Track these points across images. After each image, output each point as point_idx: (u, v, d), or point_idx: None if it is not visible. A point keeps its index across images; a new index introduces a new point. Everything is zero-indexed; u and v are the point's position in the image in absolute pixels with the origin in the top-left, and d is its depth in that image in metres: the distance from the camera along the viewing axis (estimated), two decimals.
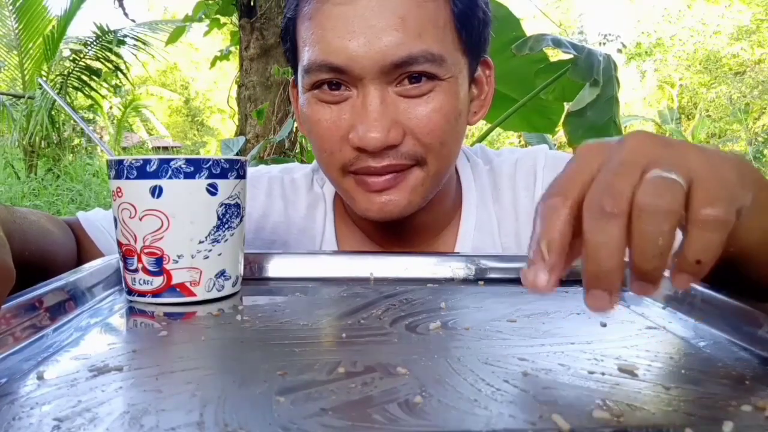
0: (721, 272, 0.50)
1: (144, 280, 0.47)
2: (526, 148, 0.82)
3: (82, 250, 0.68)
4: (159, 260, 0.47)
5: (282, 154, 3.02)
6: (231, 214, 0.49)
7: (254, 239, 0.74)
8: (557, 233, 0.32)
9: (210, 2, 3.40)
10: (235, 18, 3.41)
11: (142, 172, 0.46)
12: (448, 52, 0.60)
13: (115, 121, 8.44)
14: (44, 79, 5.83)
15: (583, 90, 1.61)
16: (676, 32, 16.69)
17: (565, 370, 0.32)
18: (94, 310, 0.46)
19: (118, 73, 6.38)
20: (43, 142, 6.05)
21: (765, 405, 0.27)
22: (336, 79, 0.60)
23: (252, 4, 3.15)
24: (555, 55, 1.83)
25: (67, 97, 6.12)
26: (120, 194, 0.47)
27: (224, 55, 3.78)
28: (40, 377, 0.31)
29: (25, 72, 6.38)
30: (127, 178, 0.46)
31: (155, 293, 0.48)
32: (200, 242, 0.47)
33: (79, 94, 6.51)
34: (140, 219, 0.46)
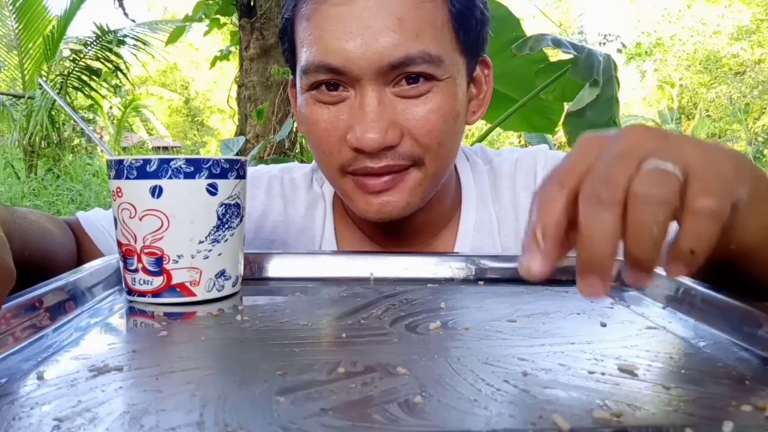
0: (721, 272, 0.51)
1: (144, 280, 0.47)
2: (526, 148, 0.82)
3: (82, 250, 0.68)
4: (159, 260, 0.47)
5: (282, 154, 3.02)
6: (231, 214, 0.49)
7: (254, 239, 0.74)
8: (552, 221, 0.33)
9: (210, 2, 3.40)
10: (235, 18, 3.41)
11: (142, 172, 0.46)
12: (446, 52, 0.60)
13: (115, 121, 8.44)
14: (44, 79, 5.83)
15: (583, 90, 1.61)
16: (676, 32, 16.69)
17: (565, 370, 0.32)
18: (94, 310, 0.46)
19: (118, 73, 6.38)
20: (43, 142, 6.05)
21: (765, 405, 0.27)
22: (334, 79, 0.60)
23: (252, 4, 3.15)
24: (555, 55, 1.83)
25: (67, 97, 6.12)
26: (120, 194, 0.47)
27: (224, 55, 3.78)
28: (40, 377, 0.31)
29: (25, 72, 6.38)
30: (127, 178, 0.46)
31: (155, 293, 0.48)
32: (200, 242, 0.47)
33: (79, 94, 6.51)
34: (140, 219, 0.46)
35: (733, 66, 14.47)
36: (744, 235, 0.44)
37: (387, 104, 0.59)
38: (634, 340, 0.38)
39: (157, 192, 0.46)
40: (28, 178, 5.44)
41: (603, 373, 0.32)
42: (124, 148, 9.32)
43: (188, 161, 0.46)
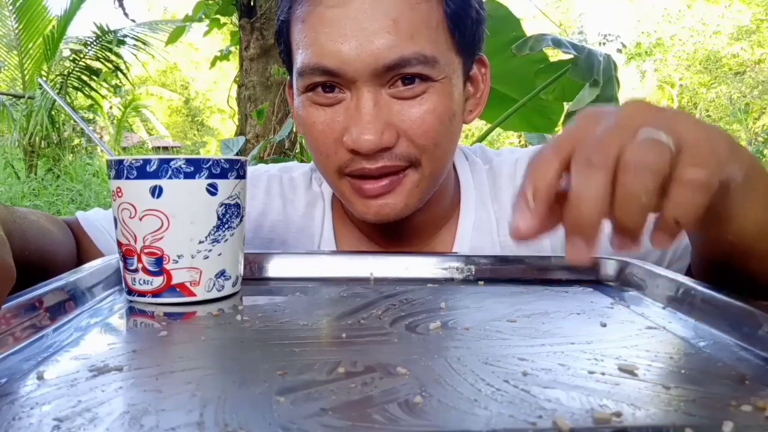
0: (721, 271, 0.51)
1: (144, 280, 0.47)
2: (526, 148, 0.82)
3: (82, 249, 0.68)
4: (159, 260, 0.47)
5: (282, 154, 3.02)
6: (231, 214, 0.49)
7: (253, 238, 0.74)
8: (544, 182, 0.33)
9: (210, 2, 3.40)
10: (235, 18, 3.41)
11: (142, 172, 0.46)
12: (441, 52, 0.60)
13: (115, 121, 8.43)
14: (44, 79, 5.83)
15: (583, 90, 1.61)
16: (676, 32, 16.69)
17: (565, 370, 0.32)
18: (94, 310, 0.46)
19: (118, 73, 6.38)
20: (43, 142, 6.05)
21: (765, 405, 0.27)
22: (329, 81, 0.60)
23: (252, 4, 3.15)
24: (555, 55, 1.83)
25: (67, 97, 6.12)
26: (120, 194, 0.47)
27: (224, 55, 3.78)
28: (40, 377, 0.31)
29: (25, 72, 6.38)
30: (127, 178, 0.46)
31: (155, 293, 0.48)
32: (200, 242, 0.47)
33: (79, 94, 6.51)
34: (140, 219, 0.46)
35: (733, 66, 14.46)
36: (741, 226, 0.45)
37: (383, 105, 0.59)
38: (634, 340, 0.38)
39: (157, 192, 0.46)
40: (28, 178, 5.44)
41: (603, 373, 0.32)
42: (124, 148, 9.32)
43: (188, 161, 0.46)
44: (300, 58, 0.61)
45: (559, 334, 0.39)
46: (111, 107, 8.45)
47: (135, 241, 0.47)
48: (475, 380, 0.31)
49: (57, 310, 0.43)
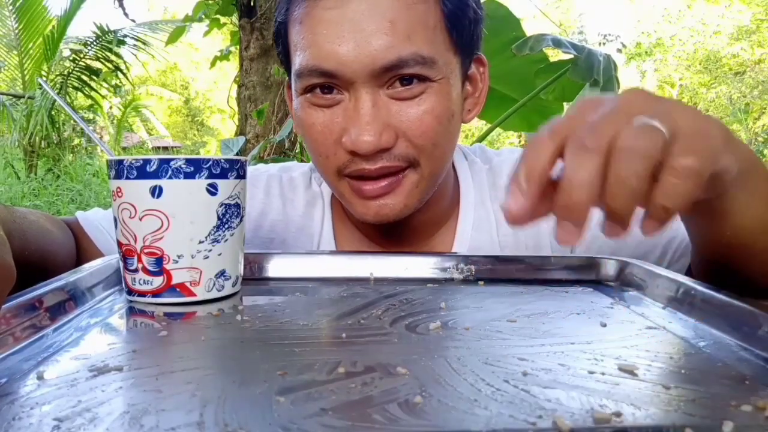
0: (720, 271, 0.51)
1: (144, 280, 0.47)
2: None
3: (81, 249, 0.68)
4: (159, 260, 0.47)
5: (282, 154, 3.02)
6: (231, 214, 0.49)
7: (252, 237, 0.74)
8: (537, 165, 0.34)
9: (210, 2, 3.40)
10: (235, 18, 3.41)
11: (142, 172, 0.46)
12: (439, 53, 0.60)
13: (115, 121, 8.43)
14: (44, 79, 5.83)
15: (583, 90, 1.61)
16: (676, 32, 16.69)
17: (565, 370, 0.32)
18: (94, 310, 0.46)
19: (118, 73, 6.38)
20: (43, 142, 6.05)
21: (765, 405, 0.27)
22: (327, 83, 0.60)
23: (252, 4, 3.15)
24: (555, 55, 1.83)
25: (67, 97, 6.12)
26: (120, 194, 0.47)
27: (224, 55, 3.78)
28: (40, 377, 0.31)
29: (25, 72, 6.38)
30: (127, 178, 0.46)
31: (155, 293, 0.48)
32: (200, 242, 0.47)
33: (79, 94, 6.51)
34: (140, 219, 0.46)
35: (733, 66, 14.46)
36: (739, 222, 0.45)
37: (381, 106, 0.59)
38: (634, 340, 0.38)
39: (157, 192, 0.46)
40: (28, 178, 5.44)
41: (603, 373, 0.32)
42: (124, 148, 9.32)
43: (188, 161, 0.46)
44: (298, 60, 0.61)
45: (559, 334, 0.39)
46: (111, 107, 8.45)
47: (135, 241, 0.47)
48: (475, 380, 0.31)
49: (57, 310, 0.43)
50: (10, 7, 6.14)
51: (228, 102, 3.56)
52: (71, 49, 6.26)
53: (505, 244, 0.72)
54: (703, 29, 16.00)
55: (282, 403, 0.27)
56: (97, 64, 6.24)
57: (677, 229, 0.65)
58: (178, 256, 0.47)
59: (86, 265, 0.52)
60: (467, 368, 0.32)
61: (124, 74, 6.41)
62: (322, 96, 0.61)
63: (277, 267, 0.59)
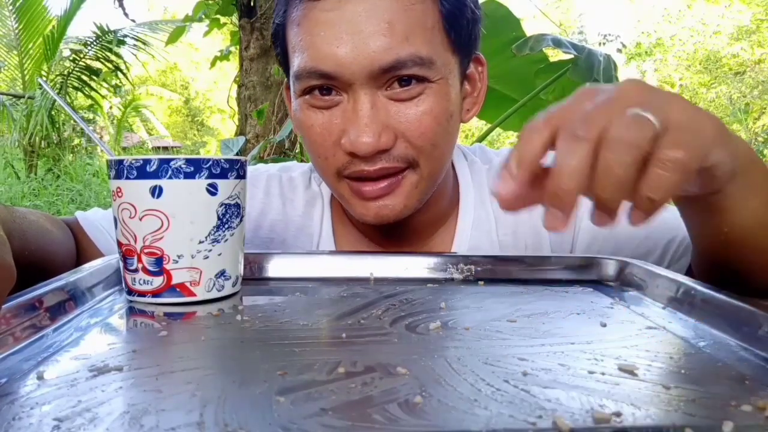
0: (720, 266, 0.51)
1: (144, 280, 0.47)
2: None
3: (81, 249, 0.68)
4: (159, 260, 0.47)
5: (282, 154, 3.02)
6: (231, 214, 0.49)
7: (252, 237, 0.74)
8: (529, 150, 0.35)
9: (210, 2, 3.40)
10: (235, 18, 3.41)
11: (142, 172, 0.46)
12: (437, 53, 0.60)
13: (115, 121, 8.43)
14: (44, 79, 5.83)
15: None
16: (676, 32, 16.68)
17: (565, 370, 0.32)
18: (94, 310, 0.46)
19: (118, 73, 6.38)
20: (43, 142, 6.05)
21: (765, 405, 0.27)
22: (326, 84, 0.60)
23: (252, 4, 3.15)
24: (555, 55, 1.83)
25: (67, 97, 6.12)
26: (120, 194, 0.47)
27: (224, 55, 3.78)
28: (40, 377, 0.31)
29: (25, 72, 6.38)
30: (127, 178, 0.46)
31: (155, 293, 0.48)
32: (200, 242, 0.47)
33: (79, 94, 6.51)
34: (140, 219, 0.46)
35: (733, 66, 14.46)
36: (737, 218, 0.45)
37: (380, 108, 0.59)
38: (634, 340, 0.38)
39: (157, 192, 0.46)
40: (28, 178, 5.44)
41: (603, 373, 0.32)
42: (124, 148, 9.32)
43: (188, 161, 0.46)
44: (296, 62, 0.61)
45: (559, 334, 0.39)
46: (111, 107, 8.45)
47: (135, 241, 0.47)
48: (475, 380, 0.31)
49: (57, 310, 0.43)
50: (10, 7, 6.14)
51: (228, 102, 3.56)
52: (71, 49, 6.26)
53: (504, 244, 0.72)
54: (703, 29, 16.00)
55: (282, 403, 0.27)
56: (97, 64, 6.24)
57: (678, 228, 0.65)
58: (178, 256, 0.47)
59: (86, 265, 0.52)
60: (467, 368, 0.32)
61: (124, 74, 6.41)
62: (320, 97, 0.61)
63: (277, 267, 0.59)
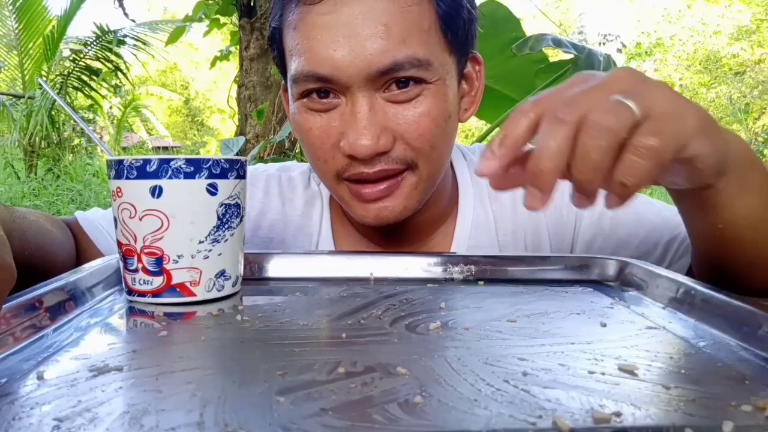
0: (719, 264, 0.51)
1: (144, 280, 0.47)
2: None
3: (81, 249, 0.68)
4: (159, 260, 0.47)
5: (282, 154, 3.02)
6: (231, 214, 0.49)
7: (252, 237, 0.74)
8: (513, 132, 0.36)
9: (210, 2, 3.41)
10: (235, 18, 3.41)
11: (142, 172, 0.46)
12: (434, 54, 0.60)
13: (115, 121, 8.43)
14: (44, 79, 5.83)
15: None
16: (676, 32, 16.68)
17: (565, 370, 0.32)
18: (94, 310, 0.46)
19: (118, 73, 6.38)
20: (43, 142, 6.05)
21: (765, 405, 0.27)
22: (324, 87, 0.60)
23: (252, 4, 3.15)
24: (555, 55, 1.83)
25: (67, 97, 6.12)
26: (120, 194, 0.47)
27: (224, 55, 3.79)
28: (40, 377, 0.31)
29: (25, 72, 6.38)
30: (127, 178, 0.46)
31: (155, 293, 0.48)
32: (200, 242, 0.47)
33: (79, 94, 6.51)
34: (140, 219, 0.46)
35: (733, 66, 14.45)
36: (732, 215, 0.45)
37: (378, 110, 0.59)
38: (634, 340, 0.38)
39: (157, 192, 0.46)
40: (28, 178, 5.44)
41: (603, 373, 0.32)
42: (124, 148, 9.32)
43: (188, 161, 0.46)
44: (294, 66, 0.61)
45: (559, 334, 0.39)
46: (111, 107, 8.45)
47: (135, 241, 0.47)
48: (475, 380, 0.31)
49: (57, 310, 0.43)
50: (10, 7, 6.14)
51: (228, 102, 3.56)
52: (71, 49, 6.26)
53: (504, 243, 0.72)
54: (703, 29, 16.00)
55: (282, 403, 0.27)
56: (97, 64, 6.24)
57: (678, 228, 0.65)
58: (178, 256, 0.47)
59: (86, 265, 0.52)
60: (467, 368, 0.32)
61: (124, 74, 6.41)
62: (318, 100, 0.61)
63: (276, 267, 0.59)
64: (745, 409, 0.27)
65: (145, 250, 0.47)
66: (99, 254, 0.66)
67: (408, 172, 0.62)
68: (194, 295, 0.48)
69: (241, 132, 3.28)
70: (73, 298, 0.46)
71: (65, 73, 6.14)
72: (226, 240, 0.49)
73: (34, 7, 6.19)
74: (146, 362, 0.33)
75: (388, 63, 0.57)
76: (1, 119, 6.34)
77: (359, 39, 0.57)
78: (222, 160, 0.48)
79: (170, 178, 0.46)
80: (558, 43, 1.57)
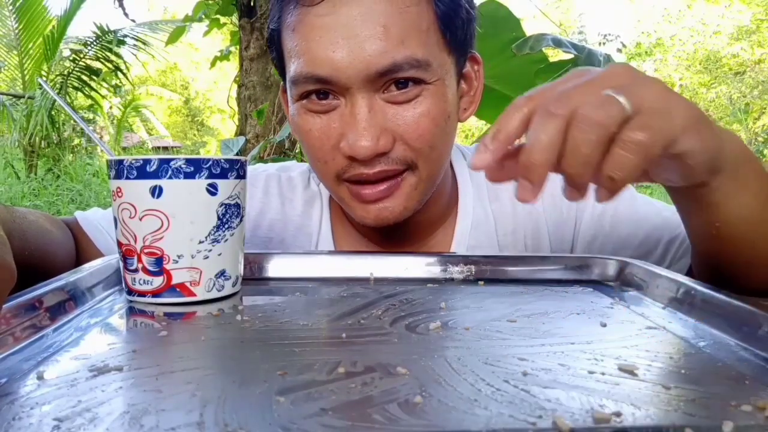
0: (718, 264, 0.51)
1: (144, 280, 0.47)
2: None
3: (81, 249, 0.68)
4: (159, 260, 0.47)
5: (282, 154, 3.02)
6: (231, 214, 0.49)
7: (251, 237, 0.74)
8: (505, 125, 0.37)
9: (210, 2, 3.41)
10: (235, 18, 3.41)
11: (142, 172, 0.46)
12: (433, 54, 0.60)
13: (115, 121, 8.43)
14: (44, 79, 5.83)
15: None
16: (676, 32, 16.68)
17: (565, 370, 0.32)
18: (94, 310, 0.46)
19: (118, 73, 6.38)
20: (43, 142, 6.05)
21: (765, 405, 0.27)
22: (323, 89, 0.60)
23: (252, 4, 3.15)
24: (555, 55, 1.83)
25: (67, 97, 6.12)
26: (120, 194, 0.47)
27: (224, 55, 3.79)
28: (40, 377, 0.31)
29: (25, 72, 6.38)
30: (127, 178, 0.46)
31: (155, 293, 0.48)
32: (200, 242, 0.47)
33: (79, 94, 6.51)
34: (140, 219, 0.46)
35: (733, 66, 14.45)
36: (729, 213, 0.46)
37: (377, 111, 0.59)
38: (634, 340, 0.38)
39: (157, 192, 0.46)
40: (28, 178, 5.44)
41: (603, 373, 0.32)
42: (124, 148, 9.32)
43: (188, 161, 0.46)
44: (293, 67, 0.61)
45: (559, 334, 0.39)
46: (111, 107, 8.45)
47: (135, 241, 0.47)
48: (475, 380, 0.31)
49: (57, 310, 0.43)
50: (10, 7, 6.14)
51: (228, 102, 3.56)
52: (71, 49, 6.26)
53: (504, 243, 0.72)
54: (703, 29, 16.00)
55: (282, 403, 0.27)
56: (97, 64, 6.24)
57: (679, 228, 0.65)
58: (178, 256, 0.47)
59: (86, 265, 0.52)
60: (467, 368, 0.32)
61: (124, 74, 6.41)
62: (318, 102, 0.61)
63: (276, 267, 0.59)
64: (745, 409, 0.27)
65: (145, 250, 0.47)
66: (99, 254, 0.66)
67: (408, 173, 0.62)
68: (194, 295, 0.48)
69: (241, 132, 3.28)
70: (73, 298, 0.46)
71: (65, 73, 6.14)
72: (226, 240, 0.49)
73: (34, 7, 6.19)
74: (146, 362, 0.33)
75: (387, 64, 0.57)
76: (1, 119, 6.34)
77: (358, 40, 0.57)
78: (222, 160, 0.48)
79: (170, 178, 0.46)
80: (558, 43, 1.57)
